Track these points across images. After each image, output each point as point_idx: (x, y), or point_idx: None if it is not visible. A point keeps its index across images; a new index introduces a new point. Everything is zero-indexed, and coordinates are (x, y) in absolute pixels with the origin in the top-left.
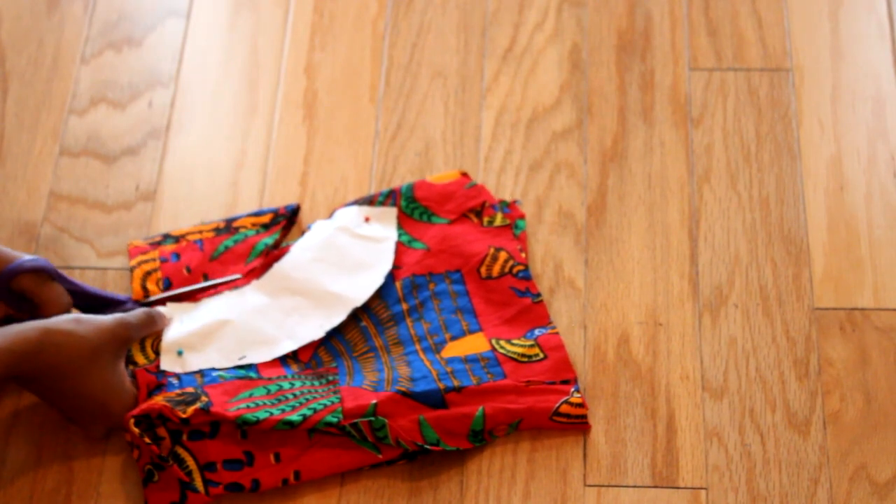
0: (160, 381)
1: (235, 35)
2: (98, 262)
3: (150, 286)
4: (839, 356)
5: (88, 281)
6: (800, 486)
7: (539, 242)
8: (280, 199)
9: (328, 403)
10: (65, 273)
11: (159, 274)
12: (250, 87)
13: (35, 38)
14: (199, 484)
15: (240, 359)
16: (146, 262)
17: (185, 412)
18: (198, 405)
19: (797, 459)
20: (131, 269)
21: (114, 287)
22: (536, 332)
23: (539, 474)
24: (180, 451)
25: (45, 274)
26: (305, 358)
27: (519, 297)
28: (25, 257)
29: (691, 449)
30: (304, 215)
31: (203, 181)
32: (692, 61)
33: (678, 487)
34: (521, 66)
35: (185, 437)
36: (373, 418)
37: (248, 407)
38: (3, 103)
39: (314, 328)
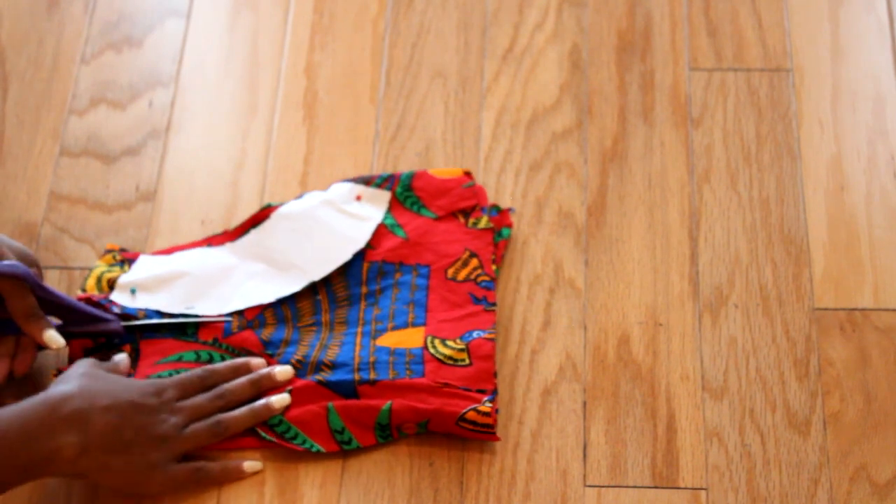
0: (104, 304)
1: (235, 35)
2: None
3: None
4: (839, 356)
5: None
6: (800, 487)
7: (539, 242)
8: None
9: None
10: (49, 285)
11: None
12: (250, 87)
13: (35, 38)
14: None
15: (186, 308)
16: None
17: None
18: (130, 347)
19: (797, 460)
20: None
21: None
22: (475, 333)
23: (539, 475)
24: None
25: (20, 282)
26: (251, 316)
27: (474, 304)
28: (3, 262)
29: (691, 449)
30: None
31: (203, 181)
32: (692, 61)
33: (678, 488)
34: (521, 66)
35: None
36: (284, 427)
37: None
38: (3, 103)
39: (267, 293)
